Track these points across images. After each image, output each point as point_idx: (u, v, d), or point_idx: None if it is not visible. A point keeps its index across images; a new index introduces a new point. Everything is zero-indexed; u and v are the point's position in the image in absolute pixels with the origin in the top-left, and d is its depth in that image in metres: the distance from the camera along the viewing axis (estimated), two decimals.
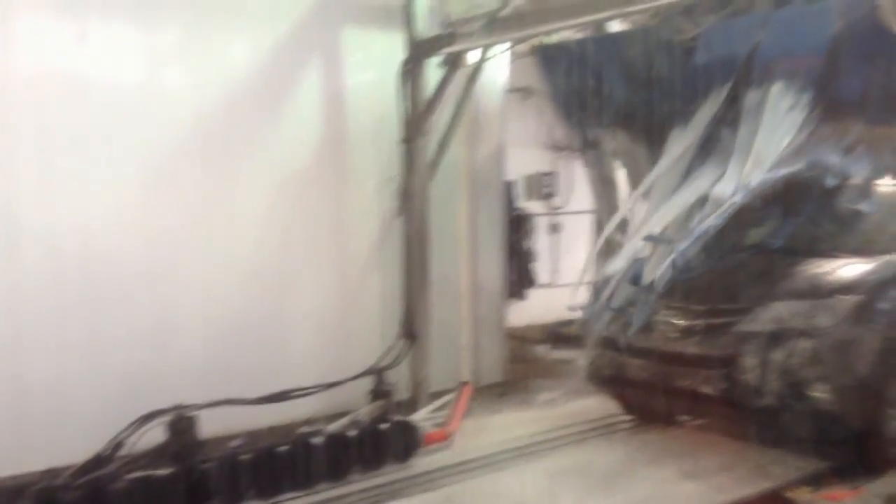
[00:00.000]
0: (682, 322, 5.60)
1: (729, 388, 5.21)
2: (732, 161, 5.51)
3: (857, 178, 5.97)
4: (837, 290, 5.17)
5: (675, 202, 5.59)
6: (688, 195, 5.57)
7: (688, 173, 5.85)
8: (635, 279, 5.36)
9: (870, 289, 5.17)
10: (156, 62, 5.86)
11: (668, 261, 5.21)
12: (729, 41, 5.86)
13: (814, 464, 5.06)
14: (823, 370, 4.93)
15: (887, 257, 5.46)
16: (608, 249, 6.62)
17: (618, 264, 5.57)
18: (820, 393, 4.93)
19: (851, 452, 4.99)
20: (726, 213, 5.25)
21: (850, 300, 5.09)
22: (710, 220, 5.25)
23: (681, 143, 5.91)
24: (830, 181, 5.79)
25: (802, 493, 4.57)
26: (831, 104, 5.45)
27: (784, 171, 5.40)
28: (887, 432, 5.02)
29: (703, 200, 5.44)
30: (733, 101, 5.75)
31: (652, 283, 5.26)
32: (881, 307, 5.10)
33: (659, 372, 5.60)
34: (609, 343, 5.97)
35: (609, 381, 6.14)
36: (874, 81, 5.63)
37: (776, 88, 5.44)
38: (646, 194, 6.15)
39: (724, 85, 5.78)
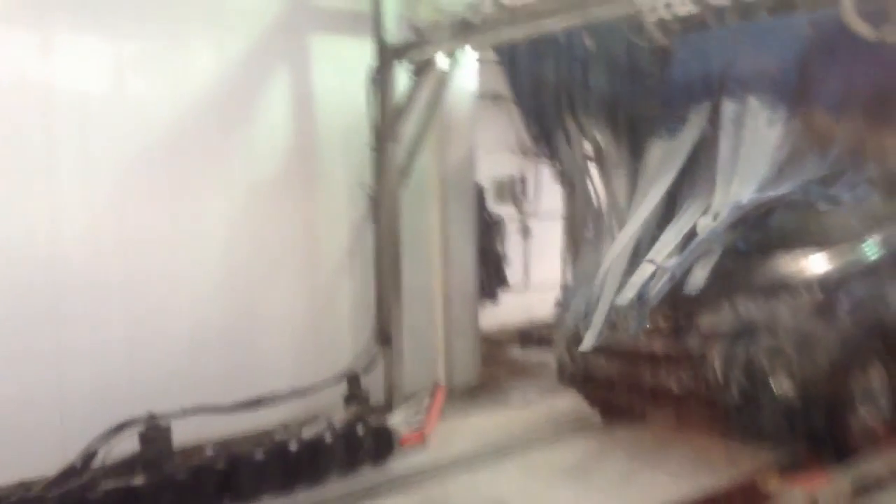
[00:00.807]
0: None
1: (695, 384, 5.29)
2: (718, 188, 5.59)
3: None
4: (799, 286, 5.26)
5: (672, 232, 5.64)
6: (683, 224, 5.63)
7: (676, 195, 5.91)
8: (641, 296, 5.37)
9: (831, 283, 5.28)
10: (123, 71, 5.85)
11: (666, 277, 5.27)
12: (703, 56, 5.97)
13: (784, 454, 5.15)
14: (787, 364, 5.02)
15: (848, 250, 5.57)
16: (577, 251, 6.73)
17: (609, 281, 5.60)
18: (784, 387, 5.01)
19: (818, 444, 5.07)
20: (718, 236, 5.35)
21: (811, 294, 5.19)
22: (702, 243, 5.34)
23: (665, 157, 5.95)
24: (822, 206, 5.73)
25: (773, 482, 4.65)
26: (809, 114, 5.56)
27: (773, 194, 5.45)
28: (851, 424, 5.13)
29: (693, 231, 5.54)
30: (713, 114, 5.85)
31: (647, 297, 5.32)
32: (842, 301, 5.21)
33: (626, 370, 5.69)
34: (578, 343, 6.04)
35: (578, 380, 6.21)
36: (851, 84, 5.72)
37: (754, 103, 5.55)
38: (626, 204, 6.26)
39: (702, 102, 5.87)
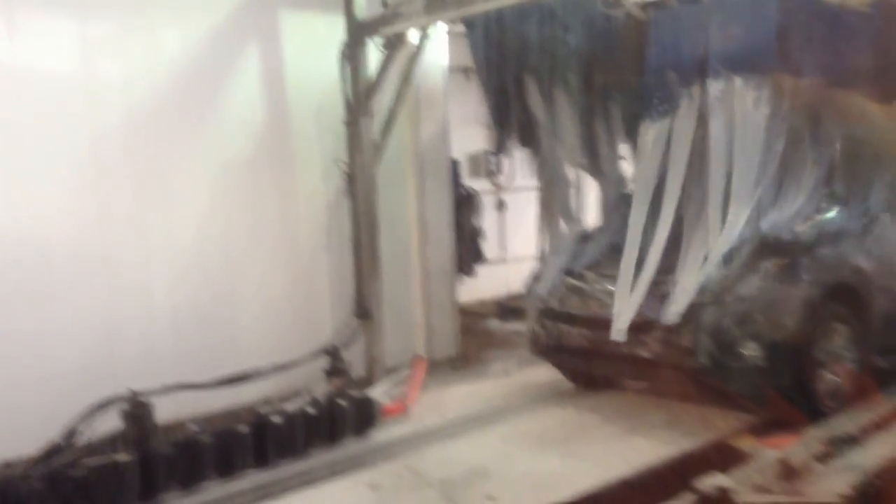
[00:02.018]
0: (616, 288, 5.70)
1: (664, 350, 5.36)
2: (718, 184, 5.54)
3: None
4: (764, 251, 5.33)
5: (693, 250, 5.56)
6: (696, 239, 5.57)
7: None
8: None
9: (796, 249, 5.37)
10: (90, 51, 5.80)
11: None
12: (680, 31, 5.91)
13: (756, 416, 5.28)
14: (754, 329, 5.11)
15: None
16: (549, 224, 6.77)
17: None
18: (751, 351, 5.11)
19: (788, 406, 5.15)
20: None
21: (777, 260, 5.27)
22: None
23: (657, 140, 5.90)
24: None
25: (746, 442, 4.77)
26: (789, 86, 5.52)
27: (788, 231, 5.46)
28: (819, 385, 5.26)
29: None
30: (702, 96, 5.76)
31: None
32: (807, 267, 5.32)
33: (597, 339, 5.74)
34: (549, 314, 6.12)
35: (550, 350, 6.28)
36: (831, 52, 5.72)
37: (738, 84, 5.51)
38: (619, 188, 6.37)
39: (687, 82, 5.79)
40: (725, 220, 5.44)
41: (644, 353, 5.46)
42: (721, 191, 5.52)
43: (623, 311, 5.50)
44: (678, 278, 5.39)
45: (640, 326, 5.45)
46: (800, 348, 5.18)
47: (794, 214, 5.55)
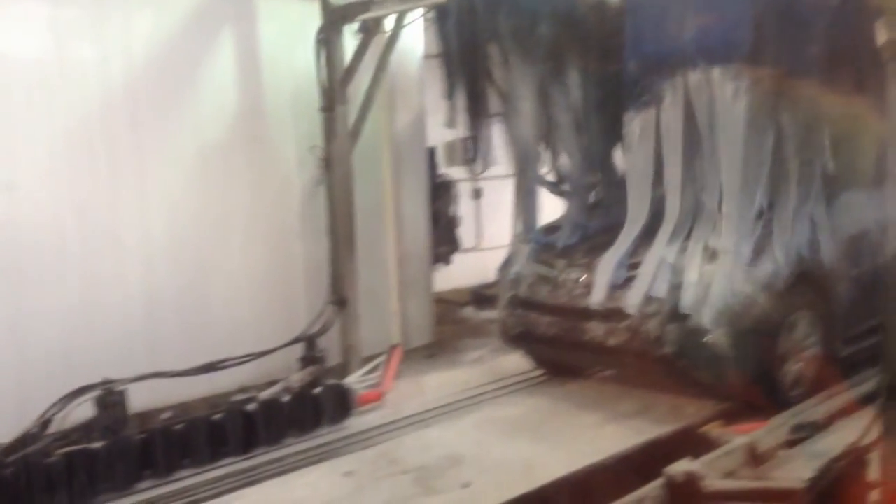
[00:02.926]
0: (586, 277, 5.78)
1: (632, 338, 5.40)
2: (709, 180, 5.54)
3: None
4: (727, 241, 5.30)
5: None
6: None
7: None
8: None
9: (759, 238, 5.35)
10: (63, 35, 5.73)
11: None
12: (657, 20, 5.83)
13: (726, 403, 5.37)
14: (719, 317, 5.14)
15: None
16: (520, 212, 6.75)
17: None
18: (717, 339, 5.13)
19: (754, 394, 5.20)
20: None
21: (739, 249, 5.24)
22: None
23: (645, 131, 5.87)
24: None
25: (714, 428, 4.85)
26: (767, 77, 5.47)
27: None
28: (784, 374, 5.33)
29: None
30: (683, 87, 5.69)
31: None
32: (769, 256, 5.29)
33: (566, 327, 5.79)
34: (519, 302, 6.14)
35: (520, 338, 6.31)
36: (805, 43, 5.62)
37: (717, 74, 5.44)
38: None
39: (666, 72, 5.71)
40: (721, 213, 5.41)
41: (612, 342, 5.51)
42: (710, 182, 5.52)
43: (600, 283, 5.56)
44: (641, 266, 5.44)
45: (608, 314, 5.50)
46: (765, 337, 5.24)
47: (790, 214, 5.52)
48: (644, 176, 5.88)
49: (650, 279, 5.37)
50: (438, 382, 6.70)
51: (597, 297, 5.61)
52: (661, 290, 5.33)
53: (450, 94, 6.86)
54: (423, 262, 7.96)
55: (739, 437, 4.32)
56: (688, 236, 5.52)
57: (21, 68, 5.54)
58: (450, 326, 8.54)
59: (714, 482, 3.73)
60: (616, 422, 5.30)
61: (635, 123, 5.92)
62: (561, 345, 5.95)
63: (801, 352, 5.45)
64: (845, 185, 5.85)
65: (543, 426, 5.35)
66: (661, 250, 5.49)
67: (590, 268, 5.79)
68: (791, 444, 4.31)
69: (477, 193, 10.65)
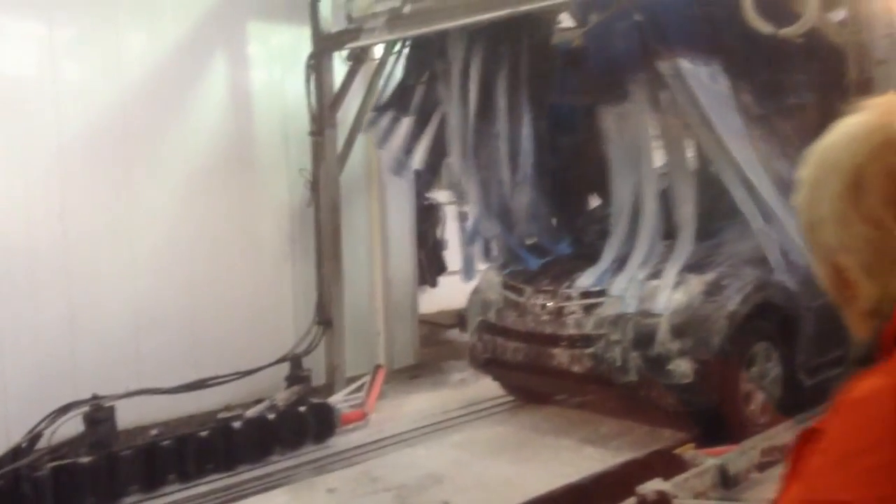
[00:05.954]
0: (551, 304, 5.80)
1: (596, 366, 5.42)
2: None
3: None
4: (691, 268, 5.40)
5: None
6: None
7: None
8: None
9: (722, 266, 5.40)
10: (56, 56, 5.87)
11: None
12: (614, 37, 5.73)
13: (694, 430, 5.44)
14: (682, 346, 5.16)
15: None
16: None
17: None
18: (679, 367, 5.15)
19: (715, 424, 5.19)
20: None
21: (702, 277, 5.32)
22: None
23: (622, 126, 5.90)
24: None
25: (687, 450, 4.96)
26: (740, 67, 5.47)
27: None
28: (745, 404, 5.30)
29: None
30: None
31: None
32: (732, 284, 5.29)
33: (532, 353, 5.80)
34: (487, 327, 6.17)
35: (488, 363, 6.32)
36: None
37: (684, 63, 5.33)
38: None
39: (633, 68, 5.64)
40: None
41: (577, 369, 5.52)
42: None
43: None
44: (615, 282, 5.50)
45: (574, 340, 5.54)
46: (728, 366, 5.22)
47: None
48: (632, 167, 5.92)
49: (622, 294, 5.41)
50: (421, 403, 6.79)
51: (584, 282, 5.66)
52: (631, 307, 5.38)
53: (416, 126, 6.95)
54: (408, 284, 8.08)
55: (711, 459, 4.43)
56: (662, 259, 5.60)
57: (13, 87, 5.66)
58: (434, 348, 8.64)
59: (685, 502, 3.85)
60: (594, 443, 5.41)
61: (609, 118, 5.95)
62: (528, 371, 5.94)
63: (765, 380, 5.42)
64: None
65: (523, 447, 5.46)
66: (633, 270, 5.55)
67: (556, 294, 5.82)
68: (762, 467, 4.42)
69: (463, 216, 10.79)
